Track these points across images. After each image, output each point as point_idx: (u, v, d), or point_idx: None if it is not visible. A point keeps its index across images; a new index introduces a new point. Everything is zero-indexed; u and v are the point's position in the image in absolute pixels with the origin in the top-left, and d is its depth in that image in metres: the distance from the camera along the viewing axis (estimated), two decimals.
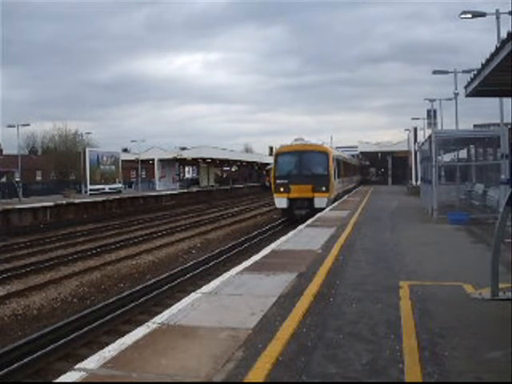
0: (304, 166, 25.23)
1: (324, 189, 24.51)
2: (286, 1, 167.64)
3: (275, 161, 26.43)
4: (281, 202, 25.21)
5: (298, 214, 24.20)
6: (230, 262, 15.34)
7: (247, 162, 75.57)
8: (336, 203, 25.56)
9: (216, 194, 55.84)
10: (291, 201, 24.78)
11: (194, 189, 56.38)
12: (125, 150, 62.96)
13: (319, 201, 24.14)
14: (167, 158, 56.73)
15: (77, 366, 4.25)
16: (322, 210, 21.80)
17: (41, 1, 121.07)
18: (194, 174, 72.93)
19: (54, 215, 31.00)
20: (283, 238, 12.27)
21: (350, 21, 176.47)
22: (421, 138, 37.55)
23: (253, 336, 4.88)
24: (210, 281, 8.14)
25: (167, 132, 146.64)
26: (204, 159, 59.36)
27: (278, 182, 25.38)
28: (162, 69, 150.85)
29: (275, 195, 25.59)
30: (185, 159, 58.25)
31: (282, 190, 24.90)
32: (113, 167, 46.81)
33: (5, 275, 14.07)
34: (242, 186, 71.99)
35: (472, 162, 21.22)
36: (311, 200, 24.30)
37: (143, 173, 66.94)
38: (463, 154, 23.43)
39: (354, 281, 7.42)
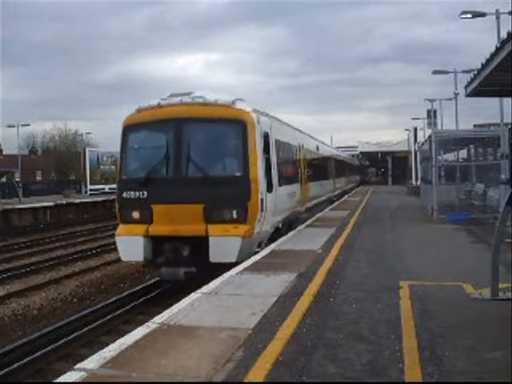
0: (187, 156, 10.74)
1: (235, 214, 10.37)
2: (286, 1, 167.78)
3: (122, 144, 11.54)
4: (129, 245, 10.72)
5: (169, 275, 10.45)
6: None
7: None
8: (336, 203, 23.95)
9: None
10: (154, 244, 10.65)
11: None
12: None
13: (221, 244, 10.08)
14: None
15: (77, 366, 4.25)
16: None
17: (41, 1, 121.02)
18: None
19: (53, 215, 31.03)
20: (283, 238, 12.25)
21: (351, 21, 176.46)
22: (421, 138, 37.71)
23: (253, 336, 4.88)
24: (209, 281, 8.13)
25: None
26: None
27: (124, 195, 11.08)
28: (162, 69, 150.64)
29: (119, 228, 11.15)
30: None
31: (132, 215, 10.86)
32: (113, 167, 46.77)
33: (5, 275, 14.11)
34: None
35: (472, 162, 21.24)
36: (201, 243, 10.14)
37: None
38: (463, 154, 23.43)
39: (354, 281, 7.42)
